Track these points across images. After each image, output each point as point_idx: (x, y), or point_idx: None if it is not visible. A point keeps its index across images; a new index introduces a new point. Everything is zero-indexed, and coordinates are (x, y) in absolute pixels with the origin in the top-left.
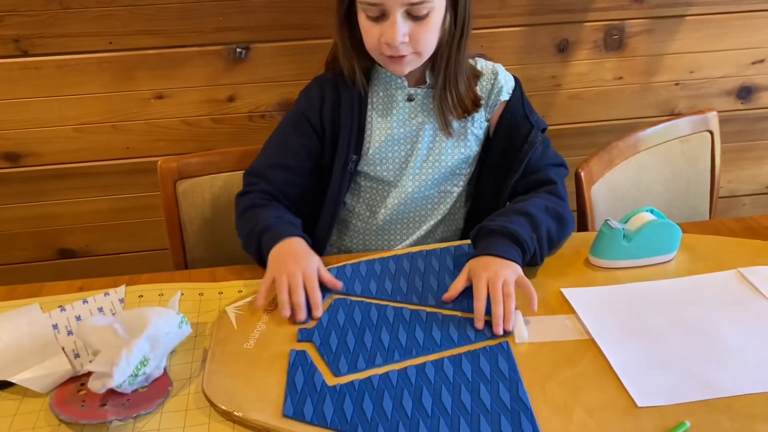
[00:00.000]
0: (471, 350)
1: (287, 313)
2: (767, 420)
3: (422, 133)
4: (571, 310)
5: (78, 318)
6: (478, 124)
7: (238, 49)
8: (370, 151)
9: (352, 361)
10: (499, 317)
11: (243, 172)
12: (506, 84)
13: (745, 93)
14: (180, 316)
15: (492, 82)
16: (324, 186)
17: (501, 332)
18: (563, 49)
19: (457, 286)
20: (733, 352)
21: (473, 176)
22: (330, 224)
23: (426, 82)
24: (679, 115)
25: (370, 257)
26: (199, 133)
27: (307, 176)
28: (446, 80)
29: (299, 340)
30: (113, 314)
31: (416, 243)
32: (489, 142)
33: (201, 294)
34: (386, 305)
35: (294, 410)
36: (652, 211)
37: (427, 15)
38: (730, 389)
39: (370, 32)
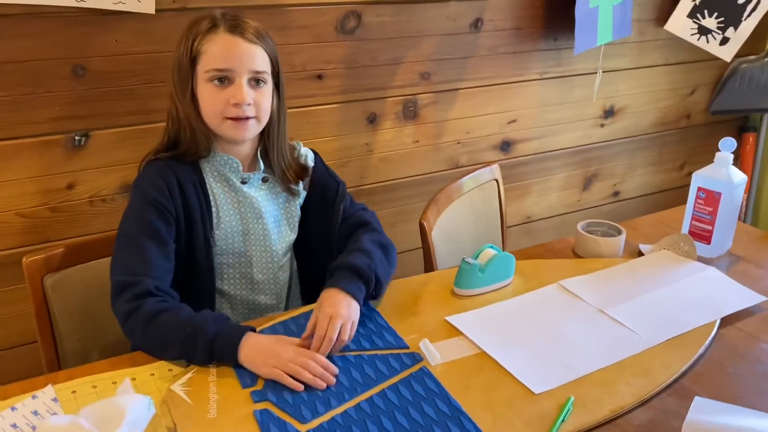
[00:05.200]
0: (402, 378)
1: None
2: (613, 384)
3: (262, 211)
4: (459, 333)
5: (14, 426)
6: (299, 189)
7: (76, 137)
8: (222, 225)
9: (312, 407)
10: (316, 348)
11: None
12: (308, 154)
13: (505, 146)
14: (148, 398)
15: (298, 154)
16: (187, 271)
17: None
18: (372, 120)
19: (312, 321)
20: (577, 343)
21: (300, 238)
22: (211, 305)
23: (257, 167)
24: (462, 167)
25: (290, 315)
26: (36, 224)
27: (175, 259)
28: (278, 151)
29: (256, 401)
30: (51, 414)
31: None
32: (305, 205)
33: (134, 378)
34: None
35: None
36: (492, 247)
37: (264, 84)
38: (584, 369)
39: (216, 97)
